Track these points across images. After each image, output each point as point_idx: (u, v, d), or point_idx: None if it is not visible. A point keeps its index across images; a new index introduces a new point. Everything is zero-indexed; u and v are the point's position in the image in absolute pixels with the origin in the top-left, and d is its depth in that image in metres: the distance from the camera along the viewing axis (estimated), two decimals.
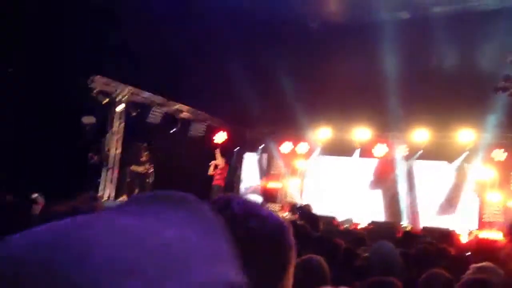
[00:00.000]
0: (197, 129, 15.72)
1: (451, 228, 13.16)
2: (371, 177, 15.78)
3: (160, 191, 0.53)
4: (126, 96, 13.82)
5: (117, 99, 13.64)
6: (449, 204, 14.42)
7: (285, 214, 15.14)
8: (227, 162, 15.78)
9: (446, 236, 8.24)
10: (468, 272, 3.58)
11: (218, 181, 15.24)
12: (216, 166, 15.26)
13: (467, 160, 14.29)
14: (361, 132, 15.31)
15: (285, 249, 0.96)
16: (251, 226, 0.93)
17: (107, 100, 13.30)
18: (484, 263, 3.69)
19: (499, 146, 13.75)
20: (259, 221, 0.95)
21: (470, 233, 12.63)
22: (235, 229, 0.80)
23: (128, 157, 14.55)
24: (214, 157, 15.41)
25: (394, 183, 15.24)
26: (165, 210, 0.48)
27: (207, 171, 15.31)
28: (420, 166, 15.07)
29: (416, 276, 3.82)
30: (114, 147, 13.87)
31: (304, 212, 10.50)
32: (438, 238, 8.87)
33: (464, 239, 12.01)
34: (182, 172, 13.96)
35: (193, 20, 12.45)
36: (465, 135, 14.00)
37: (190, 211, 0.49)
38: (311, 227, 6.30)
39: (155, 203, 0.50)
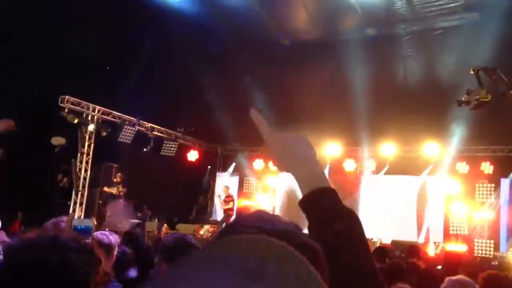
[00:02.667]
0: (169, 149, 15.72)
1: (418, 240, 13.52)
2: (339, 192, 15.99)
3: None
4: (97, 116, 13.75)
5: (88, 119, 13.55)
6: (416, 217, 14.76)
7: None
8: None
9: (414, 249, 8.45)
10: (443, 285, 3.64)
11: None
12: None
13: (432, 173, 14.68)
14: (330, 148, 15.57)
15: None
16: None
17: (77, 120, 13.19)
18: (460, 276, 3.76)
19: (463, 159, 14.19)
20: None
21: (437, 245, 12.96)
22: None
23: (99, 178, 14.40)
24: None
25: (359, 198, 15.50)
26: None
27: (179, 190, 15.28)
28: (387, 181, 15.39)
29: None
30: (84, 168, 13.71)
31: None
32: (406, 251, 9.07)
33: (431, 251, 12.33)
34: (155, 192, 13.92)
35: (162, 37, 12.54)
36: (430, 148, 14.40)
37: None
38: None
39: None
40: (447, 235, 13.90)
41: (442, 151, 14.35)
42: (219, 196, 15.84)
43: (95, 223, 12.11)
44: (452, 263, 6.20)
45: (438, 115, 12.56)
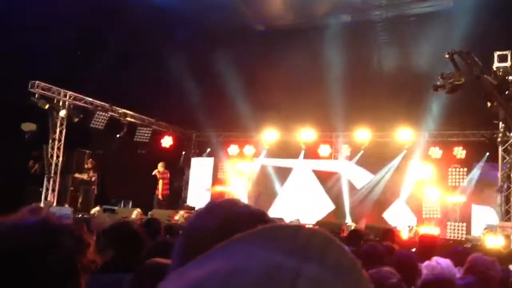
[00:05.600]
0: (143, 134, 15.52)
1: (392, 225, 13.68)
2: (316, 178, 16.10)
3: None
4: (68, 101, 13.48)
5: (59, 105, 13.26)
6: (390, 201, 14.94)
7: None
8: (166, 168, 15.42)
9: (388, 233, 8.53)
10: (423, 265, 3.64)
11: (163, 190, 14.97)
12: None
13: (406, 158, 14.84)
14: (306, 133, 15.58)
15: None
16: None
17: (48, 105, 12.91)
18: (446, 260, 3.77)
19: (436, 144, 14.39)
20: None
21: (411, 229, 13.13)
22: None
23: (71, 164, 14.17)
24: (160, 161, 15.21)
25: (338, 182, 15.62)
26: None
27: (154, 176, 15.09)
28: (362, 165, 15.50)
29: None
30: (56, 155, 13.46)
31: None
32: (380, 235, 9.16)
33: (404, 235, 12.50)
34: (129, 179, 13.75)
35: (135, 22, 12.32)
36: (403, 134, 14.53)
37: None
38: None
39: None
40: (420, 219, 14.11)
41: (416, 137, 14.51)
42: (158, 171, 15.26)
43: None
44: (426, 245, 6.28)
45: (412, 101, 12.67)
